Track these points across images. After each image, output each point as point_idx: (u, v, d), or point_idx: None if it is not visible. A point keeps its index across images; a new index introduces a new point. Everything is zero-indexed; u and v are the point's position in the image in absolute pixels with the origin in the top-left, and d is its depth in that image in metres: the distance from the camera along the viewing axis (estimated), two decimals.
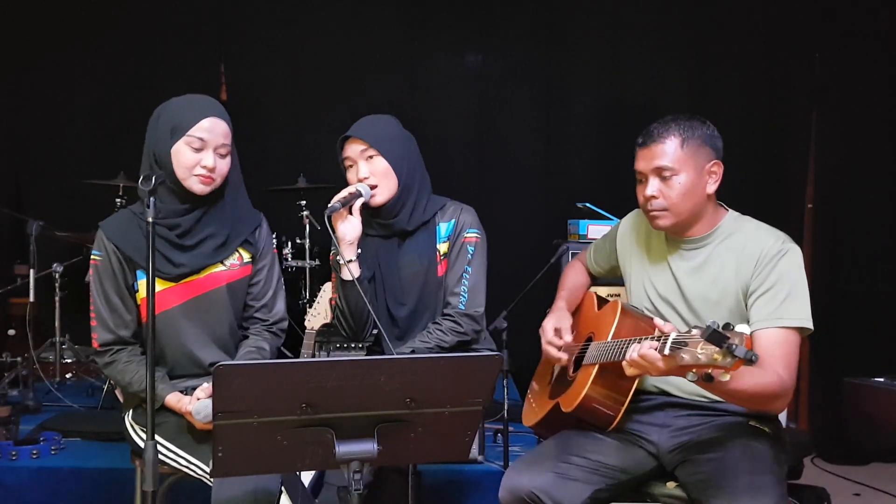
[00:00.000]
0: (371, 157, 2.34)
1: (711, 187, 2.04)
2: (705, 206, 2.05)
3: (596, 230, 3.50)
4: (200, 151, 2.10)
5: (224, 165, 2.15)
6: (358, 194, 2.30)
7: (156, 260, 2.10)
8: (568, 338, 2.19)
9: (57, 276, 3.99)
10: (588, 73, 4.60)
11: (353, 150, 2.36)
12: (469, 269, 2.40)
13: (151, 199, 1.92)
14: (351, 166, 2.37)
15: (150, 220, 1.91)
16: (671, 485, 2.04)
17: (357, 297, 2.28)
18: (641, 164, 2.05)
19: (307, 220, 4.25)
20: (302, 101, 4.69)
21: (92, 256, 2.21)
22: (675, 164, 1.99)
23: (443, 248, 2.42)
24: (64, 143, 4.65)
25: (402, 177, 2.36)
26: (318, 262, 4.29)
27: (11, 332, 4.18)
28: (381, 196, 2.35)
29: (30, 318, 3.87)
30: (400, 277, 2.40)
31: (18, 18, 4.53)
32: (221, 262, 2.23)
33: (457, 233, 2.42)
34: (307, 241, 4.28)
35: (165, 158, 2.11)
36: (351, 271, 2.27)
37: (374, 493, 2.24)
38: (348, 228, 2.29)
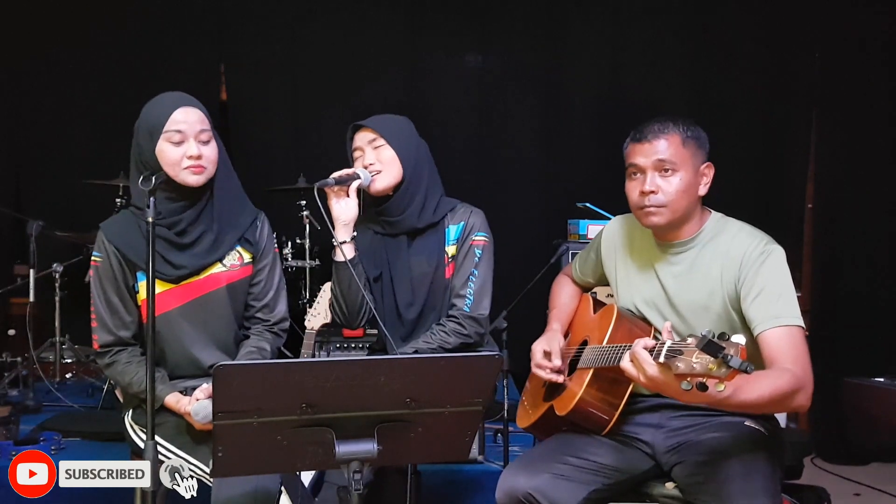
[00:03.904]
0: (379, 146, 2.34)
1: (703, 189, 2.04)
2: (696, 207, 2.05)
3: (596, 230, 3.48)
4: (181, 144, 2.10)
5: (209, 151, 2.14)
6: (356, 176, 2.30)
7: (156, 262, 2.11)
8: (557, 361, 2.18)
9: (57, 276, 4.00)
10: (588, 73, 4.60)
11: (362, 138, 2.37)
12: (476, 272, 2.39)
13: (152, 199, 1.91)
14: (359, 157, 2.38)
15: (150, 219, 1.90)
16: (670, 485, 2.04)
17: (350, 279, 2.29)
18: (640, 159, 2.01)
19: (307, 220, 4.25)
20: (302, 101, 4.69)
21: (92, 258, 2.21)
22: (676, 160, 1.99)
23: (451, 250, 2.41)
24: (64, 143, 4.64)
25: (407, 169, 2.35)
26: (318, 262, 4.29)
27: (11, 332, 4.18)
28: (382, 182, 2.34)
29: (30, 318, 3.87)
30: (410, 277, 2.40)
31: (18, 18, 4.53)
32: (221, 263, 2.22)
33: (465, 235, 2.41)
34: (307, 241, 4.28)
35: (153, 162, 2.11)
36: (344, 252, 2.28)
37: (374, 493, 2.24)
38: (343, 209, 2.30)
